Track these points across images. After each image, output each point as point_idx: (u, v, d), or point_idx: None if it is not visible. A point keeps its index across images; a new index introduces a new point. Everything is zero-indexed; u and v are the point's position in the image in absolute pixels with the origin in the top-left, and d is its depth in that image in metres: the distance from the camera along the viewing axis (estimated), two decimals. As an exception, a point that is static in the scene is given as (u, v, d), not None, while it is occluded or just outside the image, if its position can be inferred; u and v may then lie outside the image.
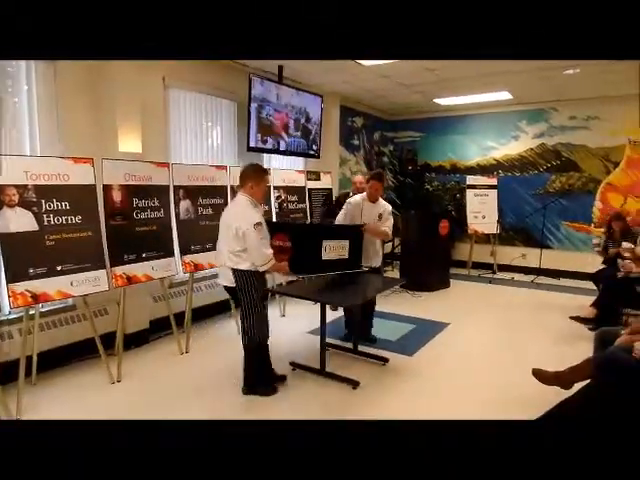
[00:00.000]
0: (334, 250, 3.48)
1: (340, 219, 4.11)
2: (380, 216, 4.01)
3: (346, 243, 3.59)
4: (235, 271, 3.05)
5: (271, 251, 3.08)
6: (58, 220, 3.13)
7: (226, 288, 3.24)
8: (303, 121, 5.76)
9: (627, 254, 4.51)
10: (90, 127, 3.79)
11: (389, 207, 4.11)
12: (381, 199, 4.12)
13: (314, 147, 6.05)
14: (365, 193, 4.09)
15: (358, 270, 3.83)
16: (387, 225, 4.02)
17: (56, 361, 3.60)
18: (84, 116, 3.76)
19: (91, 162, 3.33)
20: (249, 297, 3.08)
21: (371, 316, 4.31)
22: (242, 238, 2.97)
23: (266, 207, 5.30)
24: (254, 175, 3.12)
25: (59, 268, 3.12)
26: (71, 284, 3.18)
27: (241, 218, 2.99)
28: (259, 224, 2.97)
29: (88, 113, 3.79)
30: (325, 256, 3.40)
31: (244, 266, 3.03)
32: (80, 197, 3.26)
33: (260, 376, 3.23)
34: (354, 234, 3.76)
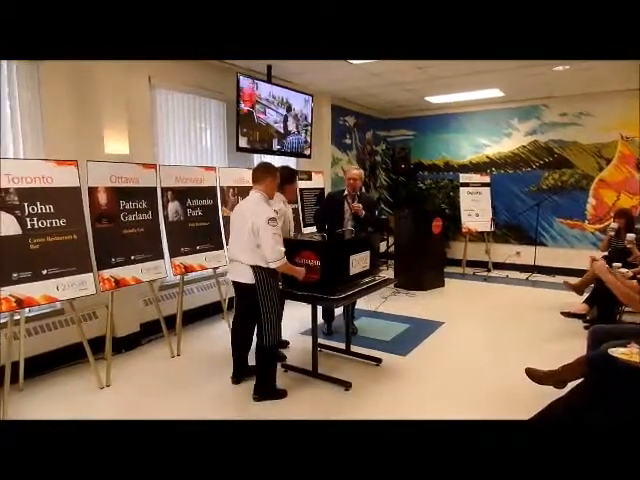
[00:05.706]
0: (359, 263, 3.43)
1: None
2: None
3: (367, 254, 3.54)
4: (254, 268, 3.00)
5: (284, 249, 3.02)
6: (42, 223, 3.08)
7: (237, 285, 3.17)
8: (301, 119, 5.80)
9: (630, 245, 4.50)
10: (75, 129, 3.74)
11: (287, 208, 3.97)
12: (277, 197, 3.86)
13: (306, 145, 6.02)
14: (285, 200, 3.81)
15: (380, 280, 3.68)
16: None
17: (44, 366, 3.55)
18: (69, 118, 3.70)
19: (75, 164, 3.28)
20: (269, 295, 3.03)
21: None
22: (257, 234, 2.96)
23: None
24: (271, 171, 3.18)
25: (44, 272, 3.07)
26: (57, 288, 3.13)
27: (256, 213, 2.98)
28: (273, 219, 2.96)
29: (73, 115, 3.73)
30: (352, 271, 3.35)
31: (263, 263, 3.00)
32: (64, 200, 3.20)
33: (273, 380, 3.19)
34: (371, 244, 3.67)
